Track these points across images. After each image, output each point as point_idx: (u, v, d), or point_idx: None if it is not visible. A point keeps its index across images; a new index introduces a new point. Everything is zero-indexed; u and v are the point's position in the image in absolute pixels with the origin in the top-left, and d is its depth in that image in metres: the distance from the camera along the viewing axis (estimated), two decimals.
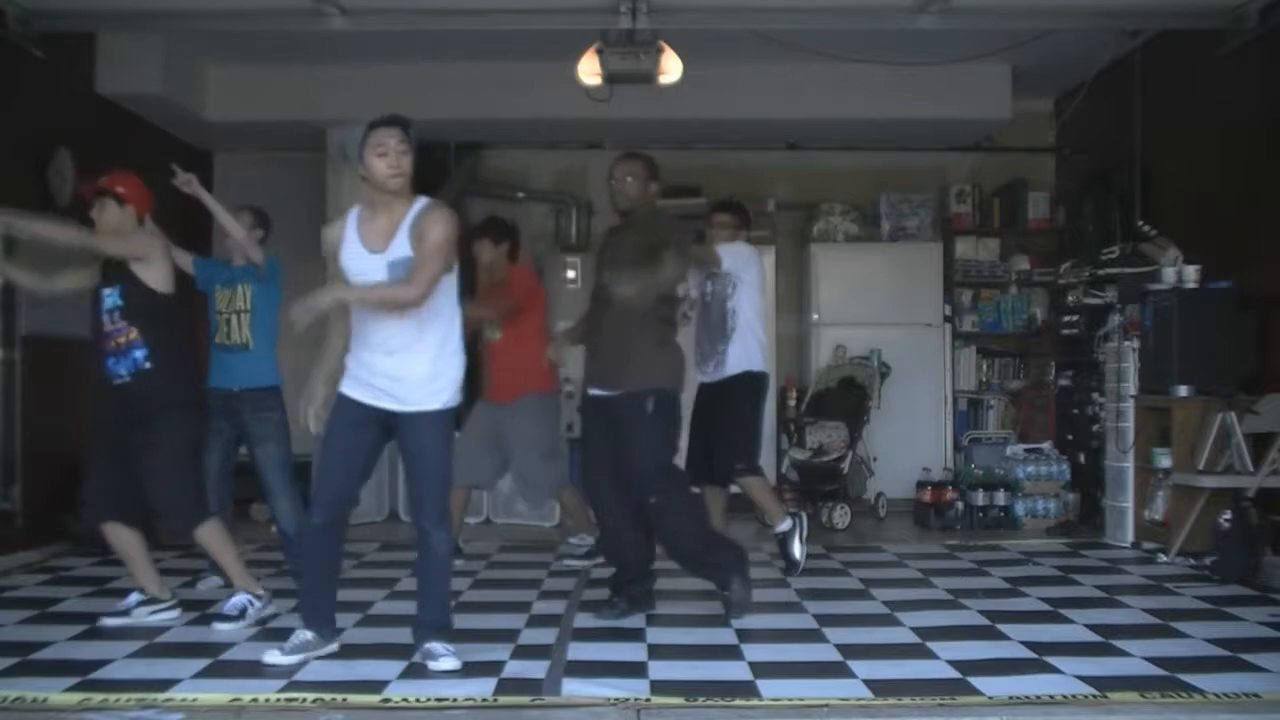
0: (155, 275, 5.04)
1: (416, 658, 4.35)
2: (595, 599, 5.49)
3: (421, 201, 4.35)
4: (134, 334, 5.00)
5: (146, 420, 4.99)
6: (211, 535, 5.17)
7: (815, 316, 9.26)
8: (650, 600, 5.28)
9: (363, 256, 4.31)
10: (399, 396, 4.33)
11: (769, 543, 7.19)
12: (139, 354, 5.00)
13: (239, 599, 5.06)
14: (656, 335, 5.19)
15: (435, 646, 4.33)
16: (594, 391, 5.23)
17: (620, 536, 5.27)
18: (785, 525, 6.22)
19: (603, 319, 5.20)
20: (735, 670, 4.29)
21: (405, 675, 4.21)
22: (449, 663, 4.28)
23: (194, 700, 3.88)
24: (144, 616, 5.07)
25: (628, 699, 3.87)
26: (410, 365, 4.31)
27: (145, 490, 5.07)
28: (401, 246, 4.26)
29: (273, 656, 4.33)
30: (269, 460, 5.65)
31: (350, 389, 4.38)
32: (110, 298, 5.01)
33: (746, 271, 6.24)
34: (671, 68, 6.69)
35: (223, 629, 4.93)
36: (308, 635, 4.40)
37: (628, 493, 5.17)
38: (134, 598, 5.15)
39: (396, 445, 4.48)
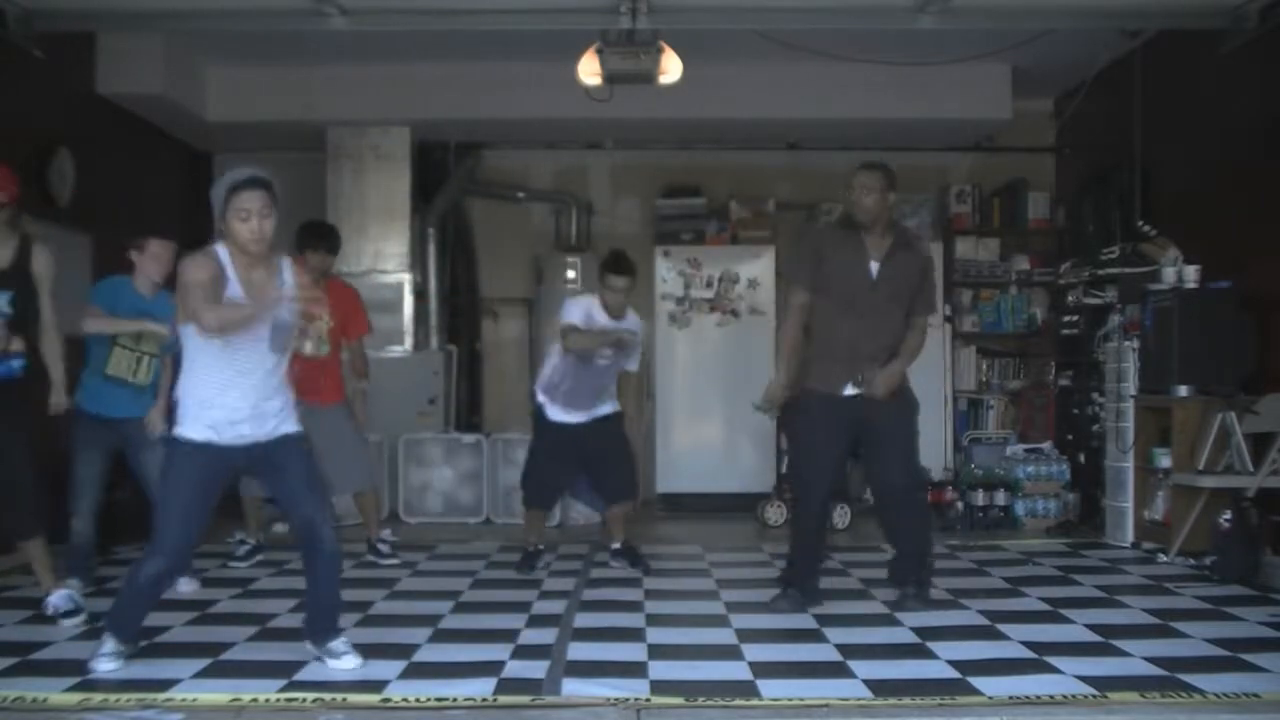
0: None
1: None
2: (596, 599, 5.51)
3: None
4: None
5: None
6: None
7: None
8: (817, 595, 5.37)
9: None
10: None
11: (769, 543, 7.20)
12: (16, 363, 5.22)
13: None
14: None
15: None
16: (846, 393, 5.26)
17: (816, 536, 5.39)
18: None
19: (863, 323, 5.23)
20: (735, 670, 4.29)
21: (405, 675, 4.20)
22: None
23: (194, 700, 3.88)
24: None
25: (628, 699, 3.87)
26: None
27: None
28: None
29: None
30: None
31: None
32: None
33: None
34: (671, 68, 6.69)
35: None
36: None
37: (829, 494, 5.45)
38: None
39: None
